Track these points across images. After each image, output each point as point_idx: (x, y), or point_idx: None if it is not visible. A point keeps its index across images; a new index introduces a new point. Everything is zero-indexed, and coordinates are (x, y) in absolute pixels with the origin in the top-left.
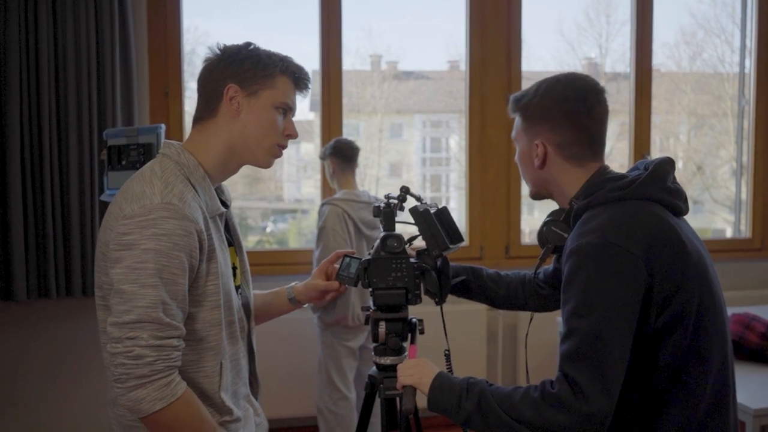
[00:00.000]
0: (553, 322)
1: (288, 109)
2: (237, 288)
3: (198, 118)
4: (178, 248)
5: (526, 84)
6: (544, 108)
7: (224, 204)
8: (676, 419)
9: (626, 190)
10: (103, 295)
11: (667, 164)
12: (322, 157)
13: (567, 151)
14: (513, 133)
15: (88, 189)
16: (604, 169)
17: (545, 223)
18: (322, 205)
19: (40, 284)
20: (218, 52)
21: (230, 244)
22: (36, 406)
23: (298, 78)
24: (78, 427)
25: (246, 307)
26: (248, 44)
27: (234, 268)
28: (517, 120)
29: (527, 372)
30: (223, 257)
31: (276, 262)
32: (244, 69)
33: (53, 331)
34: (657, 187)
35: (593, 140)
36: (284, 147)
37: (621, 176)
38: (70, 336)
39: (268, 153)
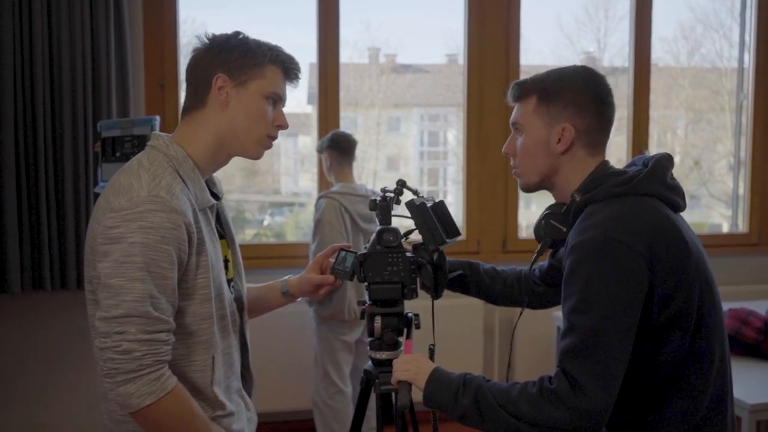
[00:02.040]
0: (550, 316)
1: (278, 99)
2: (229, 281)
3: (187, 109)
4: (166, 241)
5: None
6: (572, 91)
7: (215, 196)
8: (677, 416)
9: (627, 185)
10: (93, 290)
11: (667, 160)
12: (320, 150)
13: (591, 137)
14: (520, 118)
15: (83, 181)
16: (606, 164)
17: (544, 216)
18: (319, 198)
19: (34, 276)
20: (206, 41)
21: (222, 237)
22: (31, 398)
23: (287, 68)
24: (74, 420)
25: (239, 300)
26: (237, 33)
27: (226, 261)
28: (529, 105)
29: (508, 367)
30: (214, 250)
31: (273, 256)
32: (233, 58)
33: (48, 324)
34: (657, 183)
35: (609, 129)
36: (274, 138)
37: (622, 171)
38: (64, 329)
39: (258, 144)
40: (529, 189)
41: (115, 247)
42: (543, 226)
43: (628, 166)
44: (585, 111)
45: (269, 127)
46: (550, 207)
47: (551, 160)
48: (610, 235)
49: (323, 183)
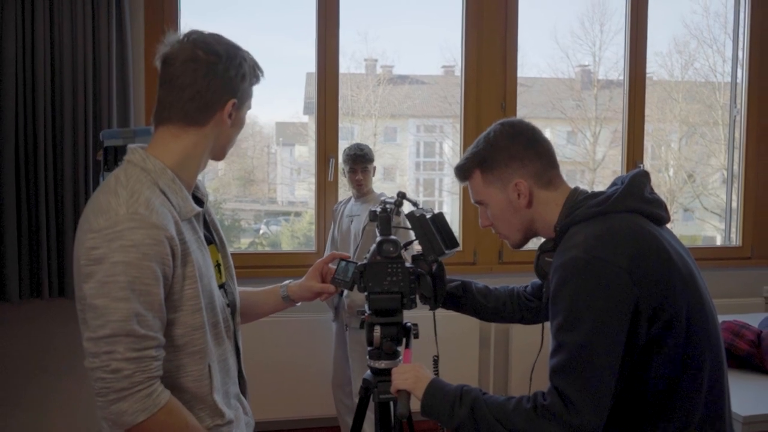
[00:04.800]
0: (545, 326)
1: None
2: (222, 285)
3: (180, 121)
4: (148, 258)
5: (521, 90)
6: (504, 150)
7: (200, 201)
8: (671, 430)
9: (605, 204)
10: (82, 309)
11: (642, 176)
12: (372, 159)
13: (544, 177)
14: (477, 195)
15: (83, 189)
16: (576, 190)
17: (538, 256)
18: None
19: (33, 284)
20: (218, 58)
21: (211, 242)
22: (31, 406)
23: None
24: (74, 427)
25: (232, 304)
26: (243, 57)
27: (218, 265)
28: (477, 180)
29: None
30: (203, 258)
31: (268, 265)
32: (245, 86)
33: (46, 332)
34: (635, 199)
35: (554, 161)
36: None
37: (599, 193)
38: (63, 336)
39: (230, 148)
40: (520, 245)
41: (98, 267)
42: (541, 264)
43: (610, 187)
44: (524, 159)
45: None
46: (542, 245)
47: (523, 215)
48: (591, 253)
49: (320, 193)
